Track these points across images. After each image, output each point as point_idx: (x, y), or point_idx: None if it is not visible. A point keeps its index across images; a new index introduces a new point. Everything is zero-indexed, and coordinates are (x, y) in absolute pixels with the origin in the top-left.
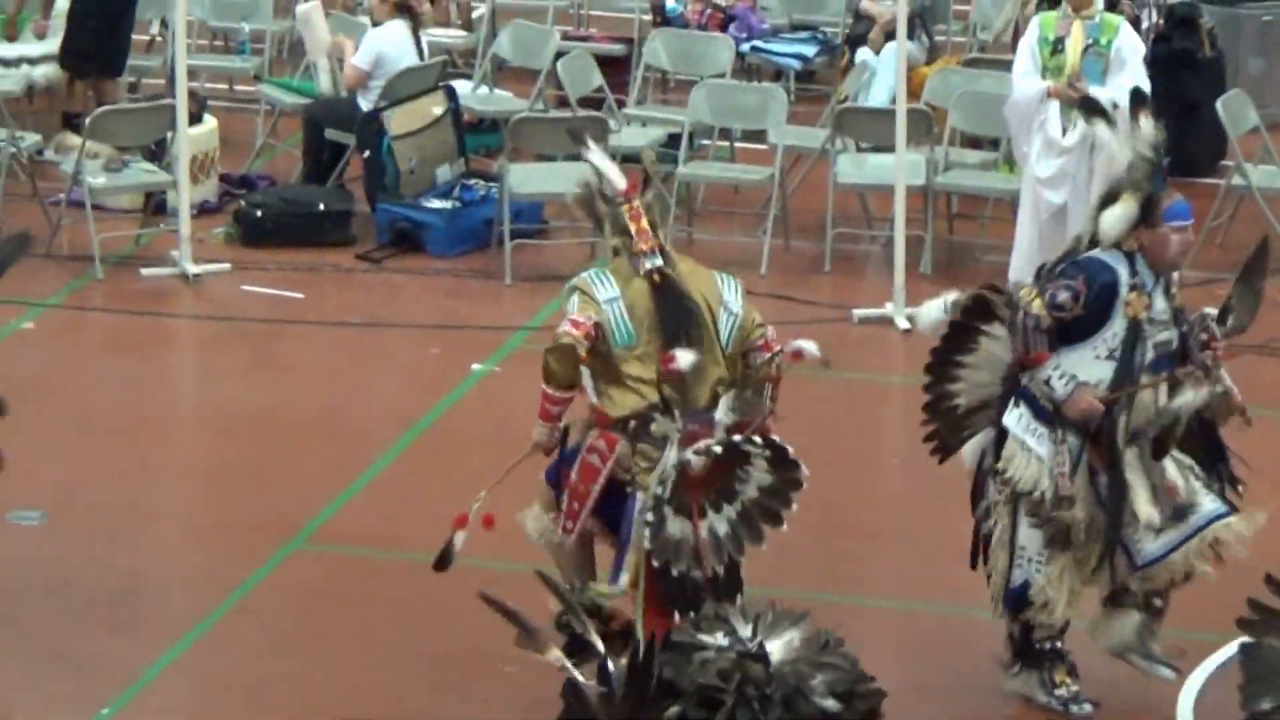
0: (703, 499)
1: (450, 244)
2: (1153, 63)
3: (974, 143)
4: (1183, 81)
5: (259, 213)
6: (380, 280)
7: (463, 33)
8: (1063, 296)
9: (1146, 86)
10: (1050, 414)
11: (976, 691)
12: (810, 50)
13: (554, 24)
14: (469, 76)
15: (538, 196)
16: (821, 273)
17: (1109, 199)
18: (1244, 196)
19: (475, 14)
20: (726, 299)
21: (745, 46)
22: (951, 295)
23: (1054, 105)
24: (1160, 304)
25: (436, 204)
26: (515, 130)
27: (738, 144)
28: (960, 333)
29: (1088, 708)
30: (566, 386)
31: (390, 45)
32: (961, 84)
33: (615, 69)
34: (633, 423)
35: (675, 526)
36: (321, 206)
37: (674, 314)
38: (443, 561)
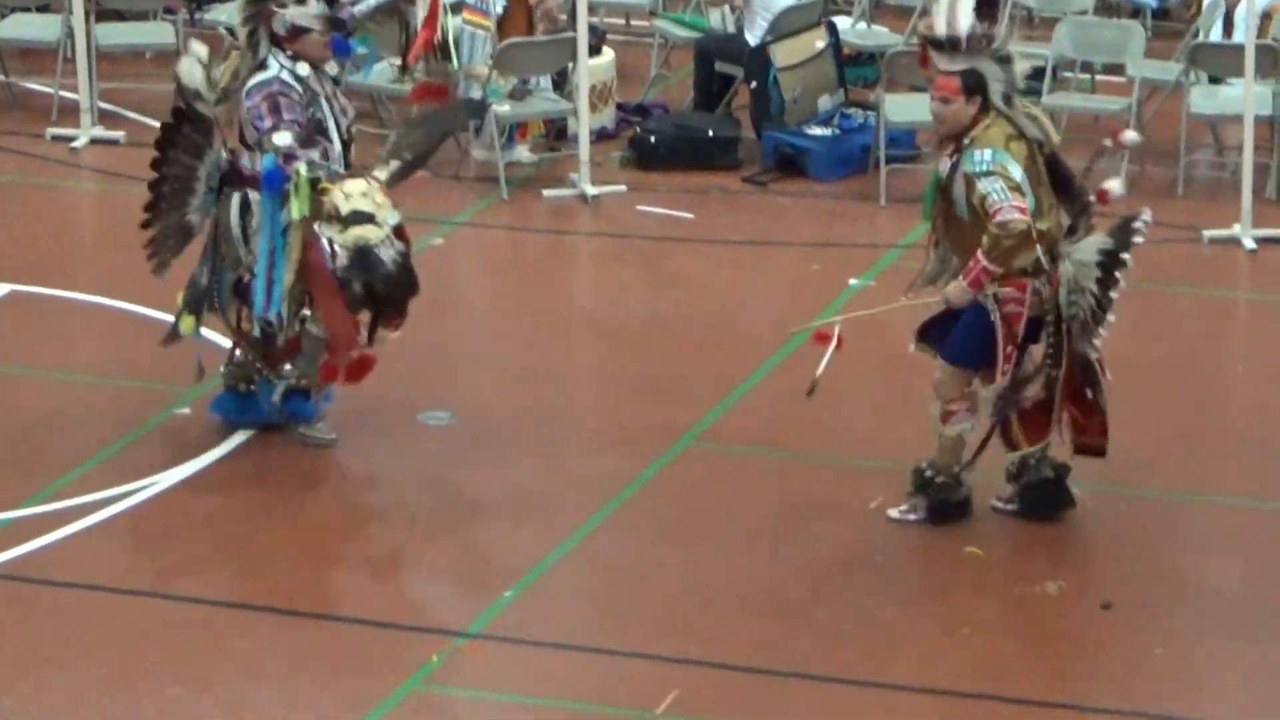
0: None
1: (830, 168)
2: None
3: None
4: None
5: (653, 139)
6: (764, 201)
7: None
8: None
9: None
10: None
11: None
12: None
13: None
14: (849, 13)
15: (911, 125)
16: (1175, 196)
17: None
18: None
19: None
20: None
21: None
22: None
23: None
24: None
25: (818, 131)
26: (891, 63)
27: (1098, 76)
28: None
29: None
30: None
31: None
32: None
33: (985, 5)
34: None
35: None
36: (711, 133)
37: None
38: (811, 389)
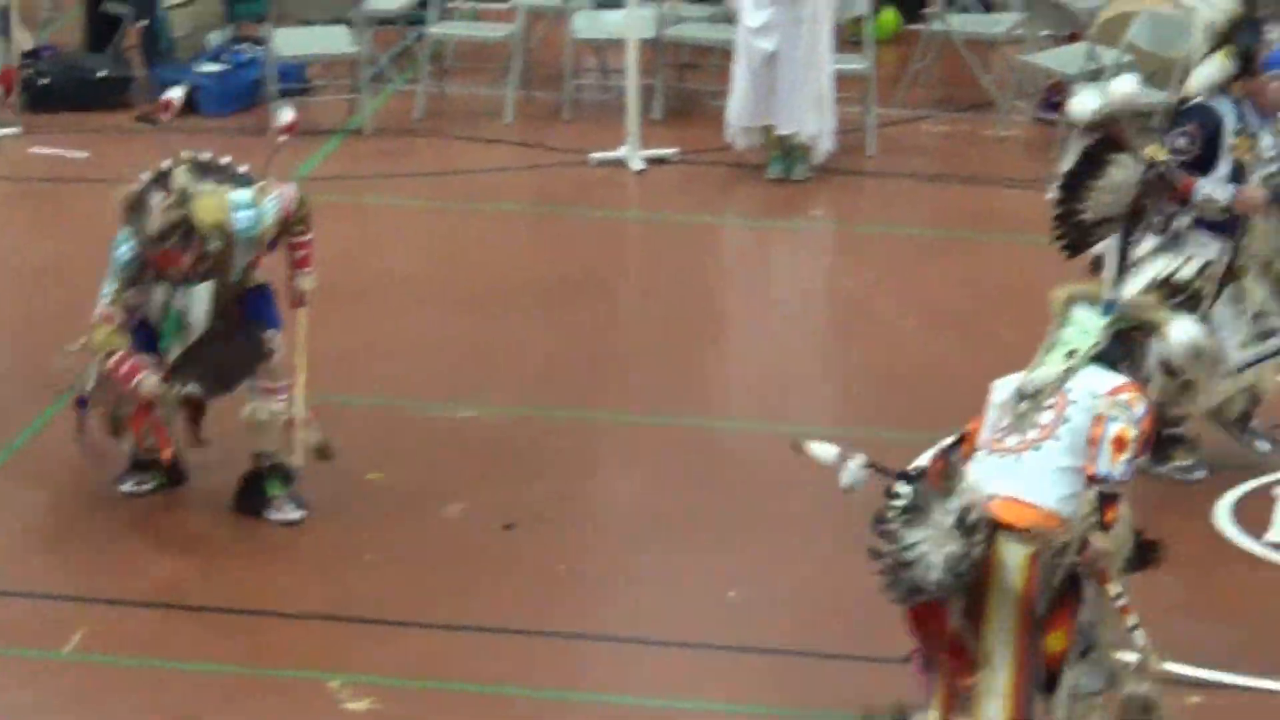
0: None
1: (222, 104)
2: None
3: None
4: None
5: (45, 80)
6: (159, 139)
7: None
8: (1180, 142)
9: None
10: (1221, 224)
11: (722, 496)
12: None
13: None
14: None
15: (301, 58)
16: (562, 120)
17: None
18: (945, 41)
19: None
20: None
21: None
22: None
23: None
24: (1268, 141)
25: (209, 67)
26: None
27: (482, 4)
28: (1093, 161)
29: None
30: None
31: None
32: None
33: None
34: None
35: None
36: (103, 73)
37: None
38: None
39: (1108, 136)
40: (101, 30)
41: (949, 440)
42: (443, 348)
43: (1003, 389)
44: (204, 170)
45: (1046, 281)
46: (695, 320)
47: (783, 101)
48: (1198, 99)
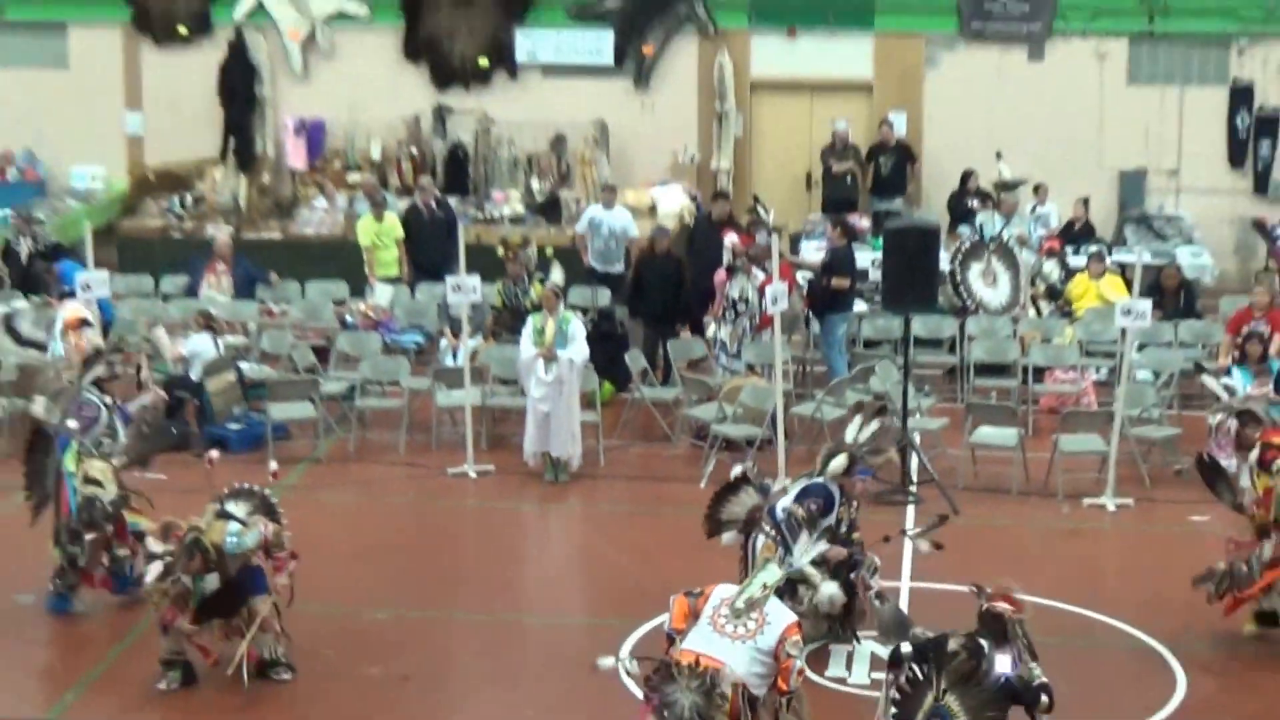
0: None
1: (243, 447)
2: (596, 336)
3: (505, 381)
4: (606, 345)
5: (145, 429)
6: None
7: (244, 338)
8: (813, 508)
9: (586, 351)
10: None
11: (525, 659)
12: (421, 338)
13: (291, 331)
14: (249, 359)
15: (287, 420)
16: (432, 450)
17: (834, 454)
18: (641, 402)
19: (251, 327)
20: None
21: (388, 338)
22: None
23: (540, 361)
24: (850, 514)
25: (235, 426)
26: (273, 387)
27: (387, 387)
28: (728, 490)
29: None
30: None
31: (200, 347)
32: (497, 353)
33: (323, 354)
34: None
35: None
36: (174, 430)
37: None
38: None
39: (741, 476)
40: (175, 405)
41: (696, 590)
42: (363, 577)
43: (725, 590)
44: (240, 494)
45: (697, 538)
46: (506, 559)
47: (553, 437)
48: (824, 482)
